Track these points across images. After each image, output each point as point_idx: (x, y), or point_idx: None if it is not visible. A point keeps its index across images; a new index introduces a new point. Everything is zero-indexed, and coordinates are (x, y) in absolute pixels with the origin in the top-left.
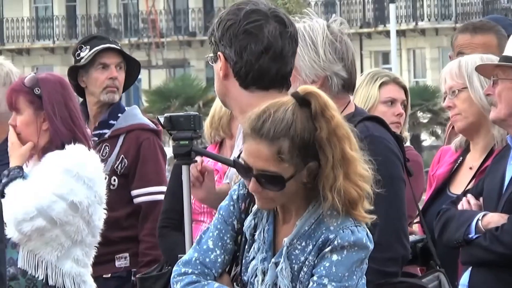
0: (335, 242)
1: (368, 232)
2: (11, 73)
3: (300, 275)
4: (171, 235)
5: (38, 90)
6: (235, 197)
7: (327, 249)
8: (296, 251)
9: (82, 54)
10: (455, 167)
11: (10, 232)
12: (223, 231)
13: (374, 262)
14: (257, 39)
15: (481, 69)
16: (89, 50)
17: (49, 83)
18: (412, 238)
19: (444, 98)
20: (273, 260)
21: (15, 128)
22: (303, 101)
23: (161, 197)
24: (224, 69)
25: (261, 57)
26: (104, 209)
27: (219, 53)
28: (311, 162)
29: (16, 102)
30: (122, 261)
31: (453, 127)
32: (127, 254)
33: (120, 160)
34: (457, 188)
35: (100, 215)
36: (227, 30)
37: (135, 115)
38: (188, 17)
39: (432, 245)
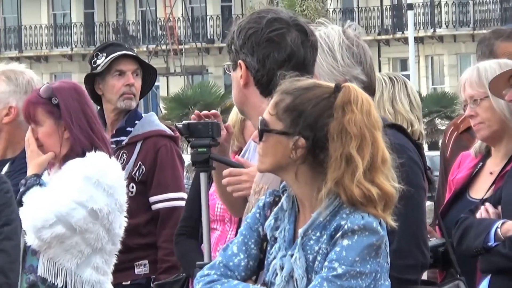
0: (345, 227)
1: (382, 221)
2: (32, 81)
3: (315, 265)
4: (185, 242)
5: (56, 100)
6: (261, 204)
7: (338, 235)
8: (311, 241)
9: (98, 62)
10: (475, 171)
11: (30, 239)
12: (248, 236)
13: (393, 269)
14: (280, 47)
15: (494, 84)
16: (105, 57)
17: (65, 91)
18: (433, 242)
19: (464, 106)
20: (289, 252)
21: (37, 140)
22: (338, 90)
23: (179, 203)
24: (244, 78)
25: (284, 66)
26: (125, 216)
27: (239, 61)
28: (302, 138)
29: (35, 114)
30: (141, 268)
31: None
32: (146, 261)
33: (137, 167)
34: (476, 192)
35: (120, 223)
36: (249, 38)
37: (152, 121)
38: (206, 24)
39: (451, 251)
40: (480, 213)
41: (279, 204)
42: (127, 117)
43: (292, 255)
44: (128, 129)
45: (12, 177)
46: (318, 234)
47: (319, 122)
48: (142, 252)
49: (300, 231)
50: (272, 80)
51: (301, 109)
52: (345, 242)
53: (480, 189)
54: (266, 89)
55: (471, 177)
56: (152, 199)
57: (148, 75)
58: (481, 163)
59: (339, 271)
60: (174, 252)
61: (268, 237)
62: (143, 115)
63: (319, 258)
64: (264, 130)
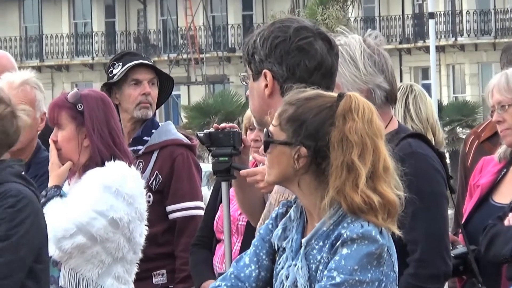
0: (345, 235)
1: (383, 230)
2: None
3: (317, 274)
4: (198, 253)
5: (81, 106)
6: (274, 215)
7: (338, 243)
8: (314, 251)
9: (114, 71)
10: (500, 177)
11: (51, 250)
12: (260, 247)
13: (416, 278)
14: (310, 55)
15: None
16: (122, 67)
17: (91, 99)
18: (460, 249)
19: (492, 112)
20: (293, 262)
21: (55, 143)
22: (340, 99)
23: (196, 212)
24: (270, 87)
25: (314, 74)
26: (145, 225)
27: (265, 70)
28: (305, 148)
29: (59, 117)
30: (159, 278)
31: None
32: (164, 271)
33: (154, 176)
34: (501, 197)
35: (141, 232)
36: (276, 47)
37: (169, 130)
38: (227, 33)
39: (473, 260)
40: (509, 220)
41: (287, 215)
42: (143, 127)
43: (296, 265)
44: (145, 138)
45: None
46: (321, 243)
47: (321, 131)
48: (160, 262)
49: (303, 240)
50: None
51: (303, 119)
52: (344, 250)
53: (505, 194)
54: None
55: (495, 183)
56: (169, 208)
57: (166, 84)
58: (505, 169)
59: (338, 280)
60: (189, 262)
61: (276, 248)
62: (160, 124)
63: (321, 267)
64: (269, 142)
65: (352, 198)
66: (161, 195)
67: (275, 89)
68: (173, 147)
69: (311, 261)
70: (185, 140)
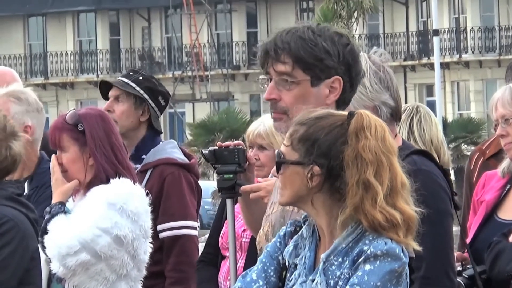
0: (368, 252)
1: (404, 249)
2: (37, 99)
3: None
4: (203, 270)
5: (82, 126)
6: (282, 233)
7: (360, 260)
8: (333, 267)
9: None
10: (504, 193)
11: (55, 267)
12: (268, 264)
13: None
14: (360, 64)
15: None
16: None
17: (91, 118)
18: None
19: (496, 126)
20: (310, 277)
21: (61, 166)
22: (351, 117)
23: (184, 231)
24: (339, 94)
25: (358, 83)
26: (150, 243)
27: (337, 77)
28: (318, 166)
29: (60, 140)
30: None
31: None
32: None
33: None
34: (506, 213)
35: (145, 249)
36: (348, 53)
37: (164, 149)
38: (232, 50)
39: (478, 278)
40: None
41: (299, 232)
42: (137, 145)
43: (313, 280)
44: (143, 156)
45: (35, 194)
46: (340, 259)
47: (333, 150)
48: (152, 281)
49: (323, 256)
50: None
51: (315, 138)
52: (367, 266)
53: (510, 210)
54: (343, 106)
55: (500, 199)
56: (158, 227)
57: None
58: (509, 185)
59: None
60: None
61: (287, 264)
62: (162, 142)
63: (340, 283)
64: (281, 162)
65: (373, 215)
66: (151, 214)
67: (337, 96)
68: (164, 166)
69: (330, 276)
70: (179, 159)
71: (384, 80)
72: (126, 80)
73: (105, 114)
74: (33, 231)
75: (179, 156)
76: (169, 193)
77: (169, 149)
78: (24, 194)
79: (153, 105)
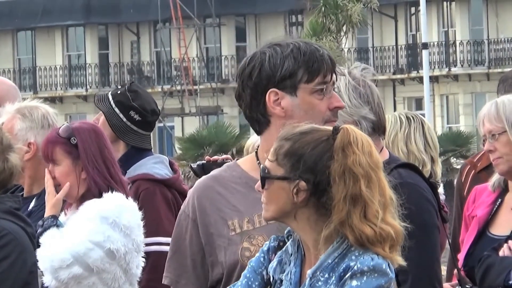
0: (355, 267)
1: (390, 264)
2: (48, 115)
3: None
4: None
5: (74, 140)
6: (265, 248)
7: (347, 276)
8: (319, 283)
9: None
10: (495, 208)
11: (47, 280)
12: (252, 279)
13: None
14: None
15: None
16: None
17: (84, 132)
18: None
19: (484, 141)
20: None
21: (54, 179)
22: (336, 132)
23: (155, 248)
24: None
25: None
26: (142, 257)
27: None
28: (304, 182)
29: (53, 153)
30: None
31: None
32: None
33: None
34: (498, 229)
35: (138, 263)
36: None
37: (144, 165)
38: (221, 64)
39: None
40: (503, 251)
41: (284, 248)
42: (121, 158)
43: None
44: (127, 171)
45: (38, 211)
46: (326, 275)
47: (319, 165)
48: None
49: (309, 272)
50: None
51: (300, 153)
52: (354, 282)
53: (501, 226)
54: None
55: (491, 214)
56: None
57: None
58: (500, 199)
59: None
60: None
61: (272, 280)
62: (148, 157)
63: None
64: (266, 177)
65: (361, 230)
66: None
67: None
68: (140, 182)
69: None
70: (157, 174)
71: (364, 94)
72: (108, 94)
73: (98, 128)
74: (31, 245)
75: (158, 171)
76: (142, 209)
77: (150, 164)
78: (28, 210)
79: (124, 119)
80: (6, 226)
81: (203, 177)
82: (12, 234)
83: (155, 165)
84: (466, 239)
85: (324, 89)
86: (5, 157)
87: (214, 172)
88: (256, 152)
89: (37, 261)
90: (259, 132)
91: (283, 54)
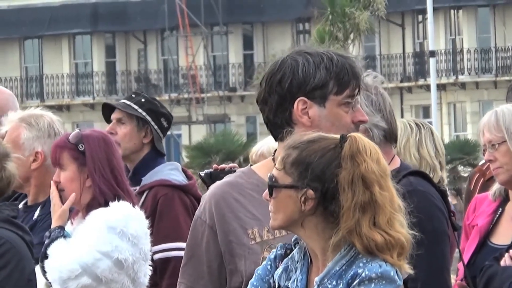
0: (363, 275)
1: (398, 271)
2: (53, 123)
3: None
4: None
5: (82, 147)
6: (272, 256)
7: (355, 283)
8: None
9: None
10: (496, 218)
11: None
12: (259, 287)
13: None
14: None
15: None
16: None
17: (93, 140)
18: None
19: (484, 151)
20: None
21: (58, 184)
22: (343, 140)
23: (174, 253)
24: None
25: None
26: (149, 265)
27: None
28: (311, 190)
29: (60, 157)
30: None
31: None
32: None
33: None
34: (499, 238)
35: (145, 272)
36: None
37: (161, 171)
38: (228, 72)
39: None
40: (504, 261)
41: (290, 255)
42: (134, 168)
43: None
44: (142, 178)
45: (43, 220)
46: (334, 283)
47: (327, 173)
48: None
49: (317, 279)
50: None
51: (308, 162)
52: None
53: (502, 235)
54: None
55: (492, 224)
56: (152, 249)
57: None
58: (500, 209)
59: None
60: None
61: (276, 287)
62: (163, 164)
63: None
64: (273, 186)
65: (371, 237)
66: None
67: None
68: (158, 188)
69: None
70: (175, 180)
71: (376, 102)
72: (128, 102)
73: (107, 137)
74: (29, 253)
75: (175, 177)
76: (161, 215)
77: (166, 170)
78: (33, 219)
79: (155, 127)
80: (3, 235)
81: (218, 182)
82: (10, 242)
83: (171, 172)
84: (467, 249)
85: (352, 102)
86: (2, 165)
87: (228, 178)
88: (273, 158)
89: (40, 272)
90: (279, 139)
91: (315, 63)
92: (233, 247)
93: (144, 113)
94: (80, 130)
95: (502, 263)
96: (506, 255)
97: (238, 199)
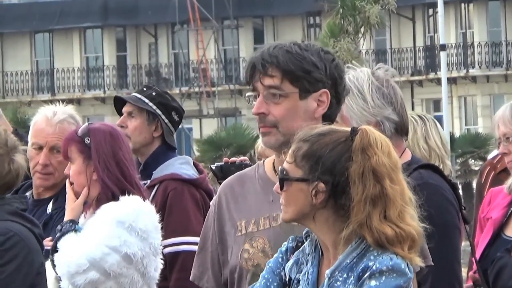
0: (374, 267)
1: (409, 264)
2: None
3: None
4: None
5: (88, 140)
6: (283, 249)
7: (366, 275)
8: (338, 283)
9: None
10: (511, 210)
11: (64, 285)
12: (270, 280)
13: None
14: (346, 84)
15: None
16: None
17: (99, 133)
18: None
19: (499, 144)
20: None
21: (69, 177)
22: (354, 133)
23: (184, 247)
24: (327, 108)
25: (344, 99)
26: (161, 259)
27: (325, 90)
28: (322, 183)
29: (69, 151)
30: None
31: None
32: None
33: None
34: None
35: (156, 266)
36: (333, 68)
37: (172, 165)
38: (239, 66)
39: None
40: None
41: (301, 248)
42: (145, 162)
43: None
44: (153, 172)
45: (59, 215)
46: (345, 275)
47: (338, 166)
48: None
49: (328, 271)
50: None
51: (319, 155)
52: (373, 282)
53: None
54: (333, 120)
55: (507, 217)
56: (162, 243)
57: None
58: None
59: None
60: None
61: (287, 280)
62: (174, 157)
63: None
64: (284, 179)
65: (381, 230)
66: None
67: (324, 111)
68: (168, 182)
69: None
70: (185, 174)
71: (387, 95)
72: (139, 96)
73: (115, 131)
74: (38, 246)
75: (186, 171)
76: (171, 209)
77: (177, 164)
78: (47, 213)
79: (166, 120)
80: (12, 228)
81: (233, 175)
82: (19, 235)
83: (182, 166)
84: (481, 241)
85: (254, 94)
86: (11, 158)
87: (243, 171)
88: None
89: (51, 265)
90: None
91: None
92: (226, 238)
93: (154, 107)
94: (89, 123)
95: None
96: None
97: (237, 192)
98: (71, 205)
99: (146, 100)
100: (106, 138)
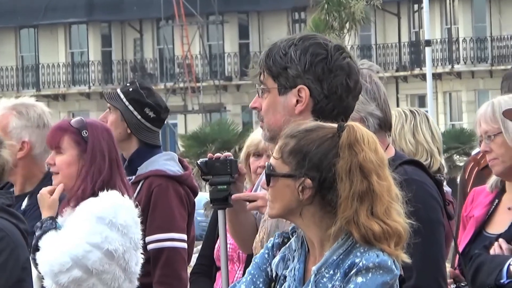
0: (360, 264)
1: (396, 261)
2: (44, 115)
3: None
4: (198, 281)
5: (86, 133)
6: (270, 245)
7: (352, 272)
8: (324, 279)
9: None
10: (492, 208)
11: (48, 284)
12: (256, 275)
13: None
14: (351, 75)
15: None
16: None
17: (97, 129)
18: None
19: (480, 142)
20: None
21: (52, 166)
22: (341, 130)
23: (168, 244)
24: (306, 104)
25: (350, 94)
26: (141, 253)
27: (301, 86)
28: (309, 179)
29: (60, 141)
30: None
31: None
32: None
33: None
34: (494, 228)
35: (137, 260)
36: (317, 64)
37: (157, 161)
38: (224, 61)
39: None
40: (494, 249)
41: (287, 244)
42: (133, 156)
43: None
44: (138, 168)
45: (32, 211)
46: (331, 272)
47: (324, 162)
48: None
49: (314, 268)
50: (336, 108)
51: (306, 151)
52: (359, 279)
53: (498, 225)
54: (327, 117)
55: (488, 214)
56: (146, 239)
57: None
58: (497, 200)
59: None
60: None
61: (273, 276)
62: (159, 154)
63: None
64: (271, 175)
65: (369, 227)
66: (141, 226)
67: (308, 107)
68: (153, 178)
69: None
70: (170, 171)
71: (371, 91)
72: (118, 91)
73: (110, 130)
74: (23, 241)
75: (171, 168)
76: (155, 205)
77: (162, 161)
78: (21, 209)
79: (139, 116)
80: None
81: None
82: (4, 231)
83: (166, 162)
84: (463, 239)
85: (258, 88)
86: None
87: None
88: None
89: (32, 264)
90: None
91: None
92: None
93: (127, 103)
94: (82, 118)
95: (491, 251)
96: (495, 243)
97: None
98: (47, 202)
99: (122, 96)
100: (104, 135)
